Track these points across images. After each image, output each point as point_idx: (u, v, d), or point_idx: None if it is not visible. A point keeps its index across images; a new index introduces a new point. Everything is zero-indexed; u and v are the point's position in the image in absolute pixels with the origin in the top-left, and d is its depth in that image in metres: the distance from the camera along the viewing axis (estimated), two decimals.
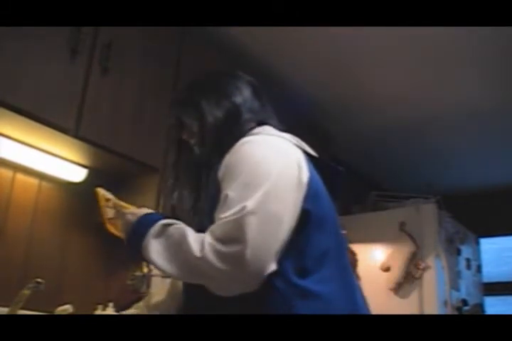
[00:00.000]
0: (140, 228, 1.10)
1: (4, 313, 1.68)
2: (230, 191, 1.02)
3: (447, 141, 3.71)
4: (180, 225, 1.08)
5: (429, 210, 3.19)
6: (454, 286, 3.22)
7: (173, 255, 1.02)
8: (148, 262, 1.08)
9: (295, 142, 1.16)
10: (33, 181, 2.03)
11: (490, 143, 3.71)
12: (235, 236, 0.95)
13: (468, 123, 3.43)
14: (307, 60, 2.83)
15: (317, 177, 1.13)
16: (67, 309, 1.78)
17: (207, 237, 0.98)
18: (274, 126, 1.22)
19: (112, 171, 2.15)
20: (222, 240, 0.96)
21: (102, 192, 1.29)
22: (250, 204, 0.97)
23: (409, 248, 3.12)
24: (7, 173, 1.95)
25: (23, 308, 1.70)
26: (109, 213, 1.22)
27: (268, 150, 1.08)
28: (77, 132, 1.82)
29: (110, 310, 2.02)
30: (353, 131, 3.58)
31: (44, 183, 2.07)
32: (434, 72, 2.90)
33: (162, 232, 1.07)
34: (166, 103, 2.19)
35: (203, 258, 0.97)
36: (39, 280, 1.68)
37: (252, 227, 0.95)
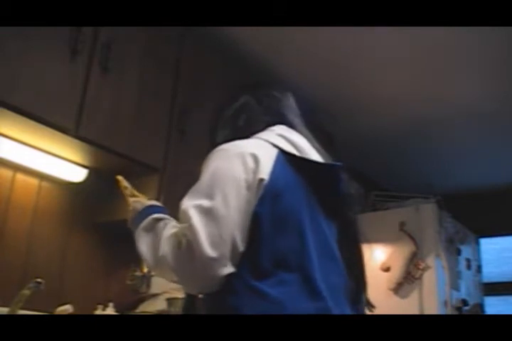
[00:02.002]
0: (138, 218, 1.17)
1: (4, 313, 1.68)
2: (186, 196, 1.07)
3: (447, 141, 3.70)
4: (168, 221, 1.13)
5: (429, 210, 3.19)
6: (454, 286, 3.22)
7: (155, 249, 1.07)
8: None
9: (274, 142, 1.14)
10: (33, 181, 2.03)
11: (490, 143, 3.71)
12: (185, 242, 1.00)
13: (468, 123, 3.43)
14: (307, 60, 2.83)
15: (288, 177, 1.10)
16: (67, 309, 1.78)
17: (172, 239, 1.04)
18: (292, 123, 1.26)
19: (112, 171, 2.14)
20: (180, 244, 1.01)
21: (122, 179, 1.36)
22: (193, 213, 1.01)
23: (409, 248, 3.11)
24: (7, 173, 1.95)
25: (23, 308, 1.70)
26: (129, 200, 1.29)
27: (221, 159, 1.10)
28: (77, 132, 1.82)
29: (110, 310, 2.02)
30: (353, 131, 3.58)
31: (44, 183, 2.07)
32: (434, 72, 2.90)
33: (151, 226, 1.13)
34: (165, 103, 2.20)
35: (163, 258, 1.03)
36: (39, 280, 1.68)
37: (200, 233, 0.99)
